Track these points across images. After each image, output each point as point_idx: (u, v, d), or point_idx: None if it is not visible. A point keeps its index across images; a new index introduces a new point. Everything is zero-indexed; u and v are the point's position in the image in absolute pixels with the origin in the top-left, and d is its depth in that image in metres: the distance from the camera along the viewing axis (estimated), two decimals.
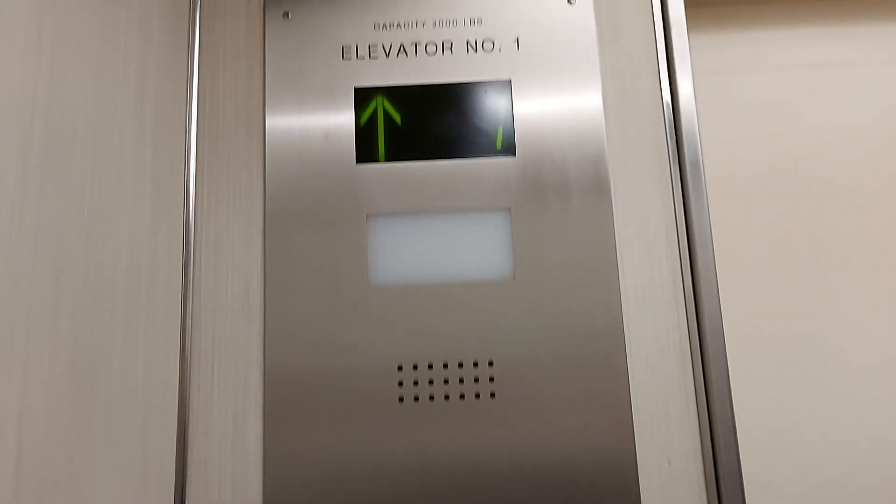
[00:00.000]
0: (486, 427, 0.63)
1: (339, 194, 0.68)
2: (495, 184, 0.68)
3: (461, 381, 0.64)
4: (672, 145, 0.71)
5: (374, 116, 0.70)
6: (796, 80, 0.88)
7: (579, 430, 0.63)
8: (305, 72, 0.71)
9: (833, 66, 0.88)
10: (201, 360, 0.66)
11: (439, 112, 0.70)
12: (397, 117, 0.70)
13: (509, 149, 0.69)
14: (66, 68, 0.49)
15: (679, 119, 0.71)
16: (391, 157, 0.69)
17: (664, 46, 0.73)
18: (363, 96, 0.70)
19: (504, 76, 0.71)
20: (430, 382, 0.64)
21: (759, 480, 0.78)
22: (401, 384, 0.64)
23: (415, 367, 0.65)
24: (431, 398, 0.64)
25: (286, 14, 0.72)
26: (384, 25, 0.72)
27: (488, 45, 0.72)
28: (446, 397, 0.64)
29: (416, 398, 0.64)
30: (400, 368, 0.65)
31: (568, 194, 0.68)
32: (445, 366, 0.65)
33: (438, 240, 0.67)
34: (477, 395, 0.64)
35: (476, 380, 0.64)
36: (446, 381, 0.64)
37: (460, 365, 0.65)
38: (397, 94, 0.70)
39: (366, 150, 0.69)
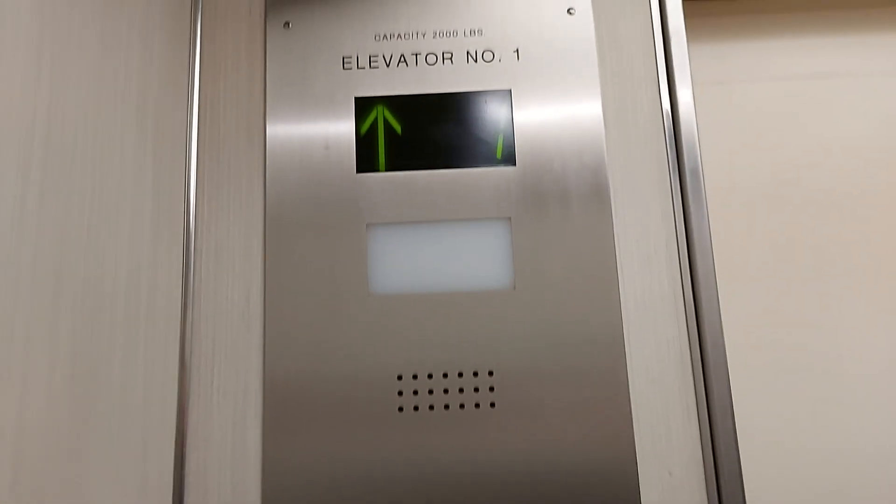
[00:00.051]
0: (486, 437, 0.63)
1: (339, 203, 0.68)
2: (495, 193, 0.68)
3: (461, 390, 0.64)
4: (672, 155, 0.71)
5: (374, 126, 0.70)
6: (797, 90, 0.88)
7: (579, 441, 0.63)
8: (306, 81, 0.71)
9: (834, 76, 0.88)
10: (201, 367, 0.66)
11: (439, 122, 0.70)
12: (398, 127, 0.70)
13: (509, 158, 0.69)
14: (67, 78, 0.49)
15: (679, 129, 0.71)
16: (391, 166, 0.69)
17: (664, 56, 0.73)
18: (364, 106, 0.71)
19: (504, 86, 0.71)
20: (430, 392, 0.64)
21: (760, 490, 0.77)
22: (400, 394, 0.64)
23: (414, 377, 0.64)
24: (431, 408, 0.64)
25: (287, 24, 0.73)
26: (385, 36, 0.73)
27: (488, 56, 0.72)
28: (446, 407, 0.64)
29: (416, 408, 0.64)
30: (400, 378, 0.64)
31: (568, 204, 0.68)
32: (445, 375, 0.64)
33: (438, 249, 0.67)
34: (477, 405, 0.64)
35: (476, 389, 0.64)
36: (446, 391, 0.64)
37: (460, 374, 0.64)
38: (398, 104, 0.71)
39: (366, 160, 0.69)
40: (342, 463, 0.62)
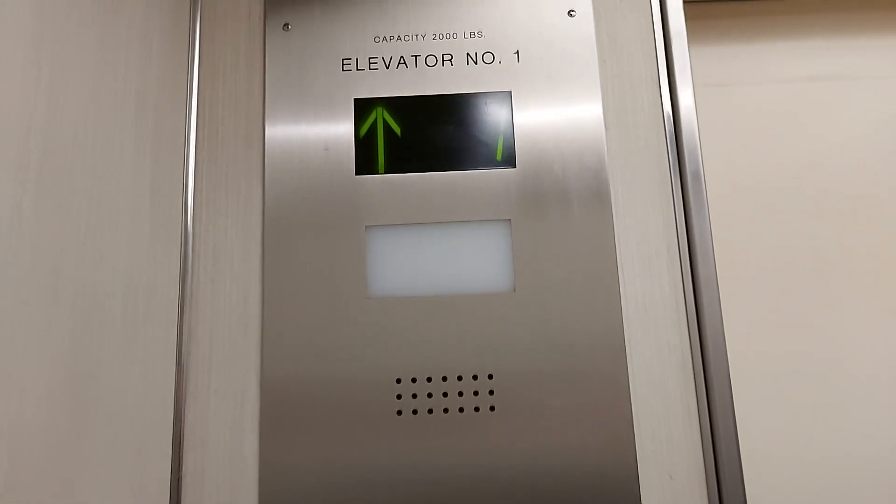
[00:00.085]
0: (486, 441, 0.63)
1: (338, 205, 0.68)
2: (495, 195, 0.68)
3: (460, 394, 0.64)
4: (673, 157, 0.70)
5: (373, 128, 0.70)
6: (798, 92, 0.88)
7: (580, 445, 0.62)
8: (305, 83, 0.71)
9: (835, 79, 0.88)
10: (198, 370, 0.65)
11: (439, 123, 0.70)
12: (397, 128, 0.70)
13: (509, 160, 0.69)
14: (65, 79, 0.49)
15: (680, 130, 0.71)
16: (391, 168, 0.69)
17: (665, 58, 0.73)
18: (363, 107, 0.70)
19: (504, 87, 0.71)
20: (429, 395, 0.64)
21: (762, 494, 0.77)
22: (399, 397, 0.64)
23: (413, 380, 0.64)
24: (430, 411, 0.63)
25: (286, 25, 0.73)
26: (384, 37, 0.72)
27: (488, 58, 0.72)
28: (445, 410, 0.63)
29: (415, 411, 0.63)
30: (398, 381, 0.64)
31: (568, 206, 0.68)
32: (444, 379, 0.64)
33: (438, 251, 0.67)
34: (476, 409, 0.63)
35: (475, 393, 0.64)
36: (445, 395, 0.64)
37: (459, 378, 0.64)
38: (397, 106, 0.70)
39: (365, 162, 0.69)
40: (340, 467, 0.62)
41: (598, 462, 0.62)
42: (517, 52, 0.72)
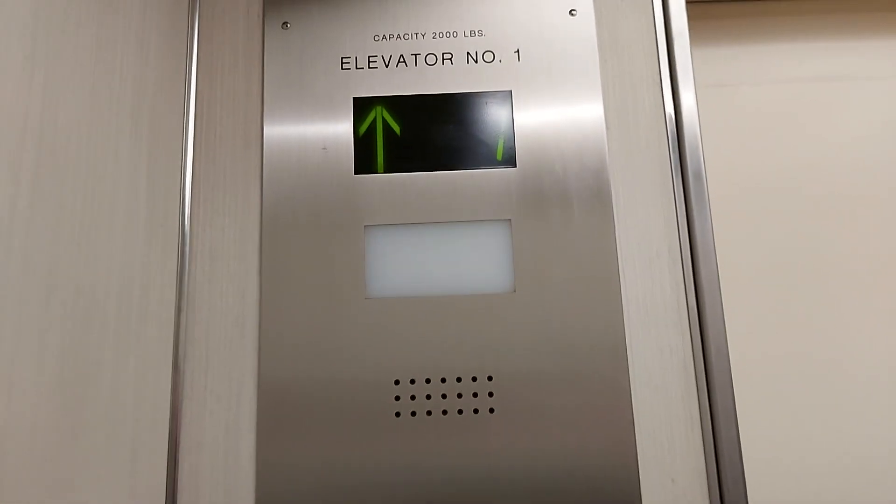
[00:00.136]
0: (485, 443, 0.62)
1: (336, 205, 0.67)
2: (496, 195, 0.67)
3: (459, 395, 0.63)
4: (674, 157, 0.70)
5: (373, 127, 0.70)
6: (800, 93, 0.88)
7: (580, 447, 0.62)
8: (304, 82, 0.71)
9: (836, 79, 0.88)
10: (194, 371, 0.65)
11: (439, 122, 0.69)
12: (396, 128, 0.70)
13: (510, 160, 0.68)
14: (61, 78, 0.49)
15: (682, 131, 0.70)
16: (390, 167, 0.68)
17: (667, 58, 0.72)
18: (362, 106, 0.70)
19: (505, 87, 0.70)
20: (428, 397, 0.63)
21: (764, 498, 0.76)
22: (398, 399, 0.63)
23: (412, 382, 0.64)
24: (429, 413, 0.63)
25: (285, 24, 0.72)
26: (384, 36, 0.72)
27: (489, 56, 0.71)
28: (444, 412, 0.63)
29: (414, 413, 0.63)
30: (397, 383, 0.64)
31: (569, 206, 0.67)
32: (443, 380, 0.64)
33: (437, 251, 0.67)
34: (476, 411, 0.63)
35: (475, 395, 0.63)
36: (444, 396, 0.63)
37: (458, 379, 0.64)
38: (397, 105, 0.70)
39: (364, 161, 0.69)
40: (338, 469, 0.62)
41: (598, 465, 0.61)
42: (518, 51, 0.71)
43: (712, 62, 0.88)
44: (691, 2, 0.76)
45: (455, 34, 0.72)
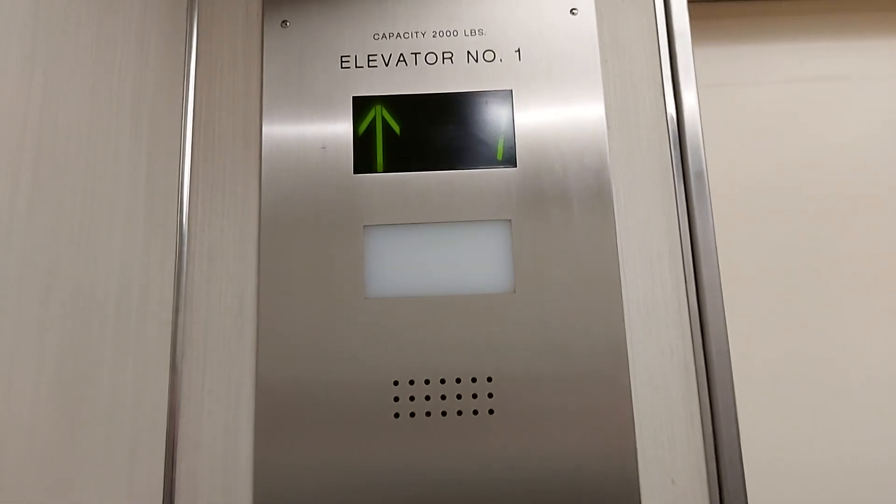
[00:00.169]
0: (485, 444, 0.62)
1: (335, 205, 0.67)
2: (496, 195, 0.67)
3: (459, 396, 0.63)
4: (676, 157, 0.70)
5: (372, 126, 0.69)
6: (801, 93, 0.87)
7: (580, 448, 0.62)
8: (303, 81, 0.71)
9: (838, 79, 0.88)
10: (192, 372, 0.65)
11: (439, 122, 0.69)
12: (396, 127, 0.69)
13: (510, 159, 0.68)
14: (61, 78, 0.49)
15: (683, 131, 0.70)
16: (389, 167, 0.68)
17: (668, 57, 0.72)
18: (362, 105, 0.70)
19: (505, 86, 0.70)
20: (427, 398, 0.63)
21: (764, 500, 0.76)
22: (396, 399, 0.63)
23: (411, 383, 0.63)
24: (428, 414, 0.63)
25: (285, 23, 0.72)
26: (384, 35, 0.72)
27: (489, 56, 0.71)
28: (443, 413, 0.63)
29: (413, 414, 0.63)
30: (396, 383, 0.63)
31: (570, 206, 0.67)
32: (443, 381, 0.63)
33: (437, 251, 0.66)
34: (475, 412, 0.63)
35: (474, 395, 0.63)
36: (443, 397, 0.63)
37: (458, 380, 0.63)
38: (396, 104, 0.70)
39: (364, 160, 0.68)
40: (336, 470, 0.61)
41: (598, 466, 0.61)
42: (518, 50, 0.71)
43: (714, 62, 0.88)
44: (693, 1, 0.75)
45: (455, 33, 0.72)
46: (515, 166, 0.68)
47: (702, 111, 0.72)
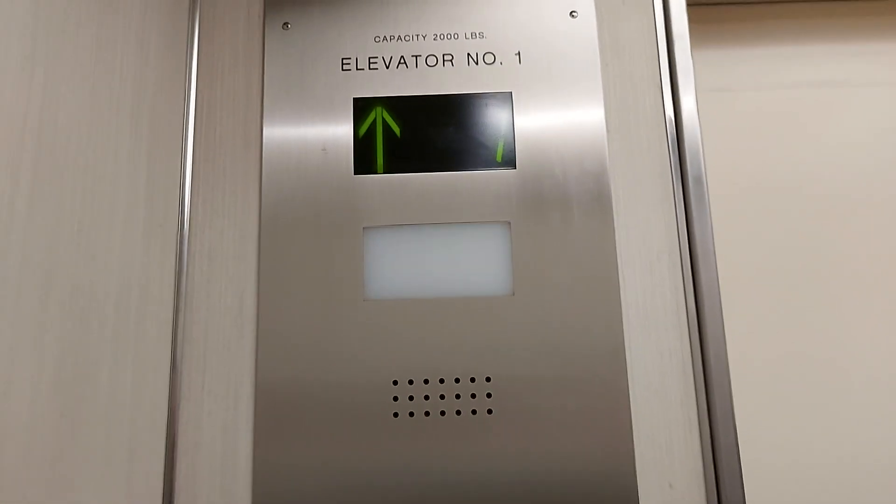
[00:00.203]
0: (483, 445, 0.62)
1: (335, 206, 0.67)
2: (495, 197, 0.67)
3: (458, 396, 0.63)
4: (675, 161, 0.70)
5: (373, 127, 0.70)
6: (801, 98, 0.87)
7: (578, 451, 0.62)
8: (304, 83, 0.71)
9: (838, 84, 0.88)
10: (192, 372, 0.65)
11: (439, 124, 0.69)
12: (396, 129, 0.69)
13: (510, 162, 0.68)
14: (61, 78, 0.49)
15: (682, 135, 0.70)
16: (389, 168, 0.68)
17: (667, 61, 0.72)
18: (362, 107, 0.70)
19: (505, 88, 0.70)
20: (426, 398, 0.63)
21: (762, 503, 0.76)
22: (396, 399, 0.63)
23: (410, 382, 0.63)
24: (427, 414, 0.63)
25: (286, 24, 0.72)
26: (385, 37, 0.72)
27: (489, 58, 0.71)
28: (442, 413, 0.63)
29: (412, 414, 0.63)
30: (395, 383, 0.63)
31: (569, 209, 0.67)
32: (442, 381, 0.64)
33: (436, 253, 0.66)
34: (474, 412, 0.63)
35: (473, 396, 0.63)
36: (442, 397, 0.63)
37: (457, 380, 0.64)
38: (397, 105, 0.70)
39: (364, 162, 0.68)
40: (335, 469, 0.61)
41: (596, 468, 0.61)
42: (518, 53, 0.71)
43: (714, 66, 0.88)
44: (692, 4, 0.75)
45: (456, 36, 0.72)
46: (515, 168, 0.68)
47: (702, 115, 0.72)
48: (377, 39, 0.72)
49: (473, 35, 0.72)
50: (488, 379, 0.63)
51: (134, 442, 0.57)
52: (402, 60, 0.71)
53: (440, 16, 0.72)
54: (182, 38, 0.70)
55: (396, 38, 0.72)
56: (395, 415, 0.63)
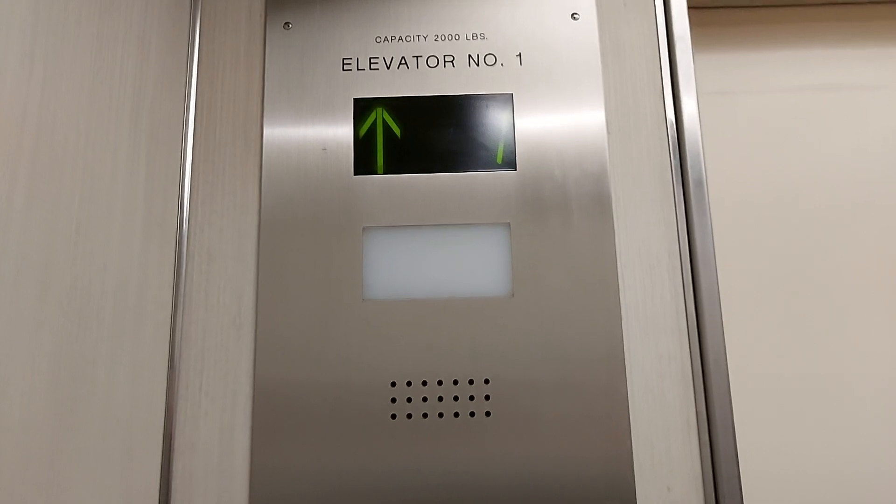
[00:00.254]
0: (481, 447, 0.62)
1: (335, 206, 0.67)
2: (495, 198, 0.67)
3: (456, 398, 0.63)
4: (675, 165, 0.70)
5: (373, 128, 0.69)
6: (802, 102, 0.87)
7: (576, 454, 0.61)
8: (305, 83, 0.71)
9: (839, 89, 0.88)
10: (190, 372, 0.64)
11: (439, 125, 0.69)
12: (397, 129, 0.69)
13: (510, 163, 0.68)
14: (60, 77, 0.49)
15: (683, 138, 0.70)
16: (389, 169, 0.68)
17: (668, 64, 0.72)
18: (363, 107, 0.70)
19: (506, 90, 0.70)
20: (424, 400, 0.63)
21: None
22: (394, 401, 0.63)
23: (408, 384, 0.63)
24: (425, 415, 0.63)
25: (287, 24, 0.72)
26: (386, 38, 0.72)
27: (490, 60, 0.71)
28: (440, 415, 0.63)
29: (409, 415, 0.63)
30: (393, 385, 0.63)
31: (569, 212, 0.67)
32: (440, 383, 0.63)
33: (436, 254, 0.66)
34: (472, 414, 0.63)
35: (471, 398, 0.63)
36: (440, 399, 0.63)
37: (455, 382, 0.63)
38: (397, 106, 0.70)
39: (364, 162, 0.68)
40: (333, 470, 0.61)
41: (594, 471, 0.61)
42: (519, 54, 0.71)
43: (714, 69, 0.88)
44: (693, 7, 0.75)
45: (457, 37, 0.72)
46: (515, 170, 0.68)
47: (702, 118, 0.72)
48: (378, 40, 0.72)
49: (475, 36, 0.72)
50: (487, 381, 0.63)
51: (130, 442, 0.56)
52: (403, 61, 0.71)
53: (442, 17, 0.72)
54: (183, 37, 0.70)
55: (397, 39, 0.72)
56: (393, 416, 0.63)
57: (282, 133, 0.69)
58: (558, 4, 0.72)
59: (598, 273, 0.65)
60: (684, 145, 0.70)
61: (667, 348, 0.65)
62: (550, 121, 0.69)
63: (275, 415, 0.62)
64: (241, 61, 0.72)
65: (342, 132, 0.69)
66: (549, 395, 0.63)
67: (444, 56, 0.71)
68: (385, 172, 0.68)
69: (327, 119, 0.69)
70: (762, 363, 0.80)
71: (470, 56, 0.71)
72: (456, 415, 0.63)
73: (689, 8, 0.73)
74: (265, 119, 0.70)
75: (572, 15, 0.72)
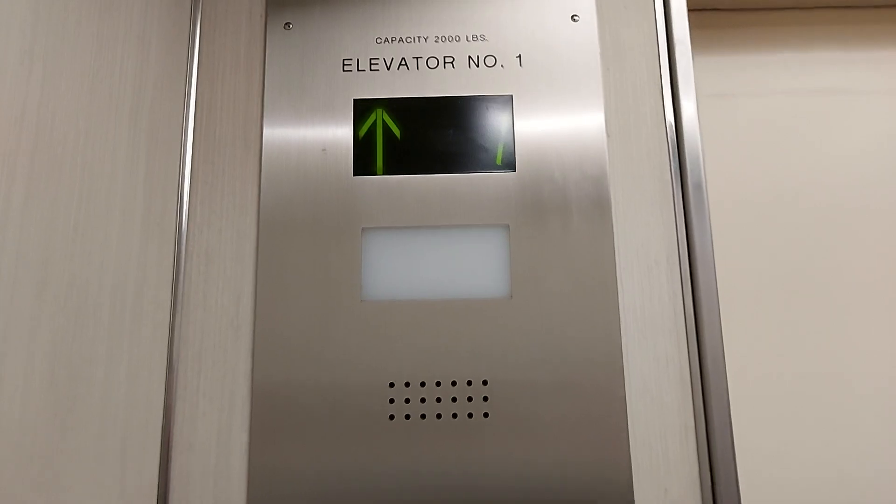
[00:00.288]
0: (479, 448, 0.62)
1: (334, 207, 0.67)
2: (494, 200, 0.67)
3: (454, 399, 0.63)
4: (675, 167, 0.70)
5: (373, 129, 0.69)
6: (802, 105, 0.87)
7: (574, 455, 0.61)
8: (305, 83, 0.71)
9: (839, 92, 0.88)
10: (187, 373, 0.64)
11: (439, 126, 0.69)
12: (397, 130, 0.69)
13: (509, 165, 0.68)
14: (60, 76, 0.49)
15: (682, 141, 0.70)
16: (389, 170, 0.68)
17: (668, 66, 0.72)
18: (363, 108, 0.70)
19: (506, 92, 0.70)
20: (422, 401, 0.63)
21: None
22: (392, 401, 0.63)
23: (407, 385, 0.63)
24: (423, 417, 0.63)
25: (288, 25, 0.72)
26: (386, 39, 0.72)
27: (490, 61, 0.71)
28: (438, 416, 0.63)
29: (408, 416, 0.63)
30: (391, 385, 0.63)
31: (568, 213, 0.67)
32: (438, 384, 0.63)
33: (435, 255, 0.66)
34: (470, 415, 0.63)
35: (469, 399, 0.63)
36: (438, 400, 0.63)
37: (453, 384, 0.63)
38: (397, 107, 0.70)
39: (364, 163, 0.68)
40: (330, 472, 0.61)
41: (592, 473, 0.61)
42: (519, 56, 0.71)
43: (714, 71, 0.88)
44: (694, 10, 0.76)
45: (457, 38, 0.72)
46: (514, 171, 0.68)
47: (702, 121, 0.72)
48: (378, 41, 0.72)
49: (475, 37, 0.72)
50: (485, 382, 0.63)
51: (128, 442, 0.56)
52: (403, 62, 0.71)
53: (442, 18, 0.72)
54: (183, 37, 0.70)
55: (398, 40, 0.72)
56: (391, 417, 0.63)
57: (281, 134, 0.69)
58: (558, 6, 0.73)
59: (597, 275, 0.65)
60: (684, 147, 0.70)
61: (665, 350, 0.65)
62: (550, 122, 0.69)
63: (273, 415, 0.62)
64: (241, 62, 0.72)
65: (342, 133, 0.69)
66: (547, 396, 0.63)
67: (445, 57, 0.71)
68: (385, 173, 0.68)
69: (327, 120, 0.70)
70: (762, 364, 0.80)
71: (470, 57, 0.71)
72: (454, 416, 0.63)
73: (689, 10, 0.73)
74: (265, 119, 0.70)
75: (572, 17, 0.72)
